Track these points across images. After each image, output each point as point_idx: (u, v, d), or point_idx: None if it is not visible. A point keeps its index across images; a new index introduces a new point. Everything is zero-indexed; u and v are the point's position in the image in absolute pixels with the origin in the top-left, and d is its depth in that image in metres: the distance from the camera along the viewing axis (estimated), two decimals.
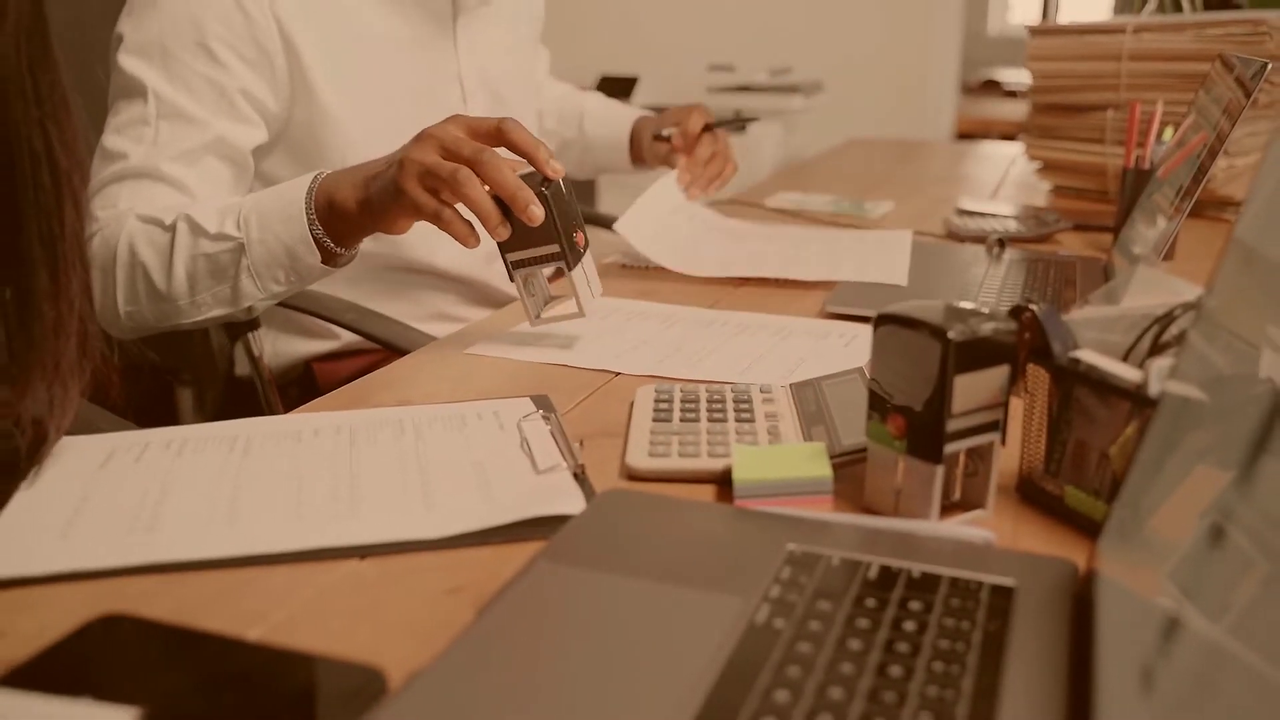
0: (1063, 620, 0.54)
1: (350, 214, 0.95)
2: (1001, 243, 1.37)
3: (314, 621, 0.56)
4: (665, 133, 1.46)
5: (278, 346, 1.25)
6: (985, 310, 0.65)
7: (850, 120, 2.93)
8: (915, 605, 0.55)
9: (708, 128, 1.44)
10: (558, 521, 0.64)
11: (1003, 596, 0.56)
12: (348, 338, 1.22)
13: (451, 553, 0.62)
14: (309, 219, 0.96)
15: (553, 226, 0.91)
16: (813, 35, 3.04)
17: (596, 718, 0.46)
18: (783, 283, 1.23)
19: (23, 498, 0.68)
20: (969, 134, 3.72)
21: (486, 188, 0.89)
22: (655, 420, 0.78)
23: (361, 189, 0.94)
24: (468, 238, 0.92)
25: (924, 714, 0.46)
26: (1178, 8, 2.15)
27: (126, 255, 1.02)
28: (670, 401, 0.81)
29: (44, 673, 0.50)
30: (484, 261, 1.27)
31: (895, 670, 0.49)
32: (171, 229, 1.00)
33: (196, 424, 0.81)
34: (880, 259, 1.29)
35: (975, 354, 0.63)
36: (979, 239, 1.43)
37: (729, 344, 1.00)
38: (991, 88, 5.26)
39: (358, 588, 0.59)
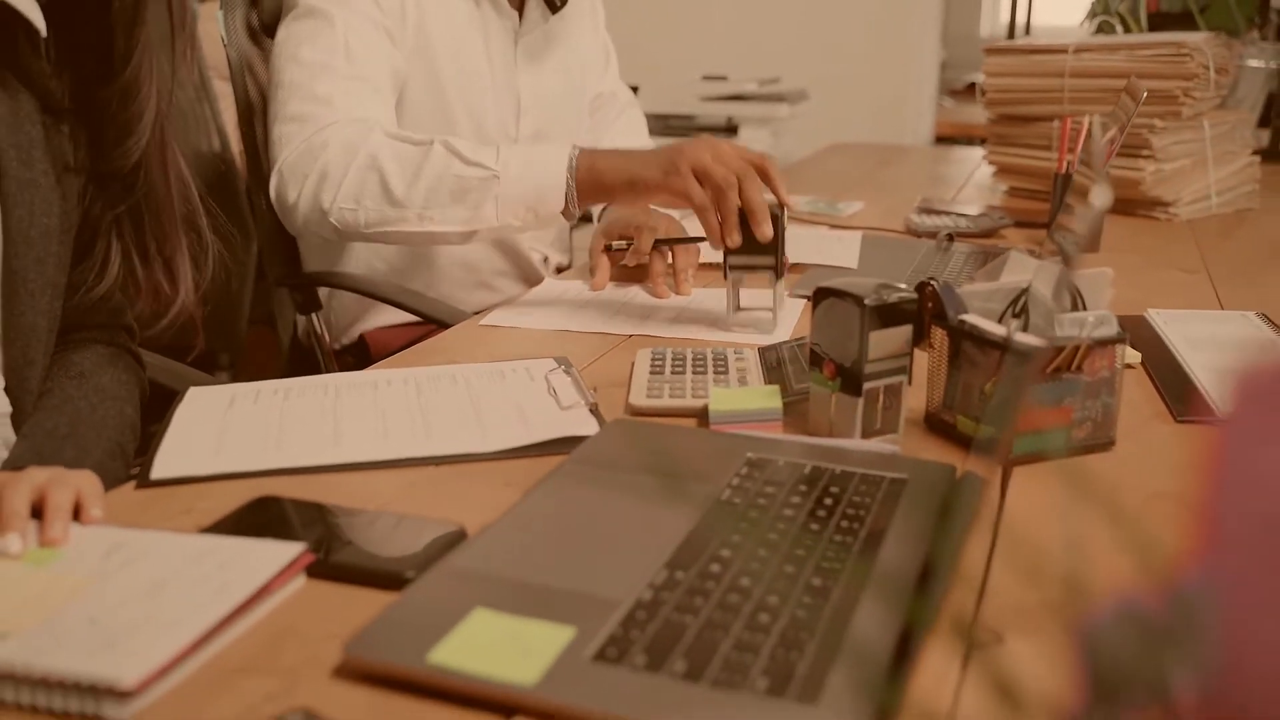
0: (937, 498, 0.76)
1: (605, 181, 1.18)
2: (950, 237, 1.59)
3: (407, 503, 0.79)
4: (616, 245, 1.37)
5: (338, 321, 1.48)
6: (899, 285, 0.88)
7: (835, 126, 3.15)
8: (834, 489, 0.77)
9: (660, 244, 1.35)
10: (579, 440, 0.86)
11: (897, 485, 0.78)
12: (398, 313, 1.45)
13: (501, 461, 0.85)
14: (569, 175, 1.18)
15: (774, 244, 1.12)
16: (800, 48, 3.26)
17: (608, 554, 0.69)
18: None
19: (179, 425, 0.90)
20: (949, 137, 3.92)
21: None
22: (652, 373, 1.01)
23: (624, 164, 1.17)
24: (714, 231, 1.13)
25: (831, 548, 0.69)
26: (1126, 28, 2.38)
27: (366, 160, 1.21)
28: (664, 360, 1.04)
29: (228, 529, 0.73)
30: (526, 244, 1.53)
31: (815, 526, 0.72)
32: (424, 145, 1.21)
33: (293, 377, 1.03)
34: (836, 249, 1.53)
35: (885, 316, 0.85)
36: (932, 235, 1.65)
37: (700, 310, 1.26)
38: (975, 91, 5.45)
39: (436, 483, 0.82)
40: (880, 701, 0.52)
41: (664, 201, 1.17)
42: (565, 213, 1.21)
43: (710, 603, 0.62)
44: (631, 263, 1.32)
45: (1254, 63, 2.84)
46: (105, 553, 0.68)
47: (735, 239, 1.12)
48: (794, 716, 0.53)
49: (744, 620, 0.60)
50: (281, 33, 1.34)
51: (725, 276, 1.17)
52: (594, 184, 1.19)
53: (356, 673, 0.58)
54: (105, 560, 0.67)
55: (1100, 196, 0.44)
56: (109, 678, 0.54)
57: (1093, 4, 2.55)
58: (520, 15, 1.48)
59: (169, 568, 0.66)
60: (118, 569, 0.66)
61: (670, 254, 1.35)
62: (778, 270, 1.15)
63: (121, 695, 0.54)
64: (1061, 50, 1.93)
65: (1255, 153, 2.03)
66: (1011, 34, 3.55)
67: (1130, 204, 1.89)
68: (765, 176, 1.14)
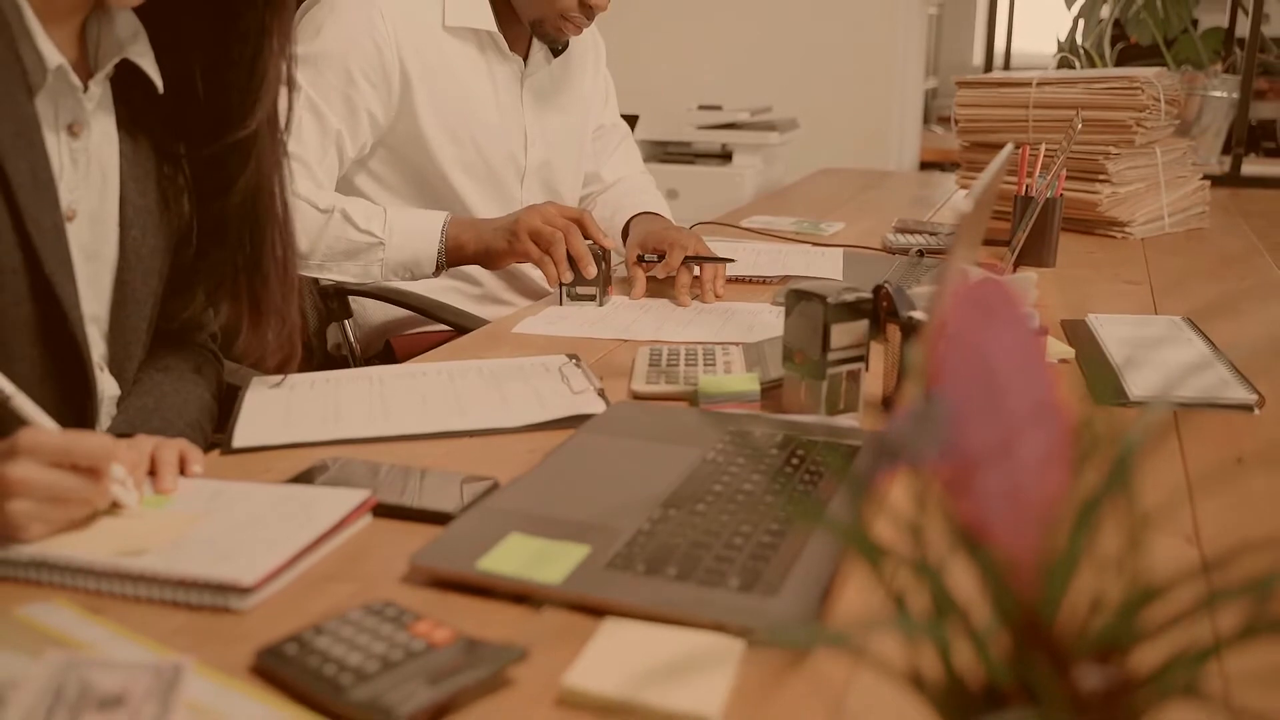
0: None
1: (467, 251, 1.52)
2: (921, 253, 1.76)
3: (448, 465, 0.95)
4: (648, 257, 1.53)
5: (366, 328, 1.65)
6: (858, 288, 1.05)
7: (824, 153, 3.33)
8: (800, 453, 0.94)
9: (689, 260, 1.51)
10: (589, 417, 1.03)
11: (852, 450, 0.95)
12: (421, 320, 1.62)
13: (524, 434, 1.01)
14: (440, 246, 1.51)
15: (598, 279, 1.47)
16: (791, 79, 3.45)
17: (616, 497, 0.85)
18: (745, 281, 1.62)
19: (250, 406, 1.07)
20: (935, 163, 4.11)
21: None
22: (650, 365, 1.17)
23: (479, 237, 1.51)
24: (552, 275, 1.45)
25: (795, 494, 0.85)
26: (1092, 62, 2.56)
27: None
28: (661, 354, 1.21)
29: (306, 481, 0.89)
30: (527, 265, 1.70)
31: (782, 480, 0.88)
32: (327, 212, 1.46)
33: (340, 369, 1.20)
34: (821, 263, 1.70)
35: (844, 312, 1.02)
36: (905, 251, 1.82)
37: (700, 318, 1.41)
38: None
39: (469, 450, 0.99)
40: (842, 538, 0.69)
41: (512, 261, 1.51)
42: (435, 273, 1.54)
43: (697, 530, 0.78)
44: (661, 274, 1.51)
45: (1217, 93, 3.04)
46: (209, 497, 0.84)
47: (566, 277, 1.45)
48: (758, 604, 0.69)
49: (723, 542, 0.76)
50: None
51: (560, 303, 1.49)
52: (458, 252, 1.53)
53: (421, 578, 0.74)
54: (210, 502, 0.83)
55: (963, 203, 0.59)
56: (233, 578, 0.71)
57: (1060, 41, 2.74)
58: (525, 59, 1.66)
59: (263, 507, 0.82)
60: (222, 509, 0.82)
61: (697, 269, 1.52)
62: (599, 299, 1.48)
63: (243, 591, 0.70)
64: (1026, 84, 2.11)
65: (1205, 177, 2.21)
66: (989, 63, 3.73)
67: (1088, 224, 2.06)
68: (585, 228, 1.46)
